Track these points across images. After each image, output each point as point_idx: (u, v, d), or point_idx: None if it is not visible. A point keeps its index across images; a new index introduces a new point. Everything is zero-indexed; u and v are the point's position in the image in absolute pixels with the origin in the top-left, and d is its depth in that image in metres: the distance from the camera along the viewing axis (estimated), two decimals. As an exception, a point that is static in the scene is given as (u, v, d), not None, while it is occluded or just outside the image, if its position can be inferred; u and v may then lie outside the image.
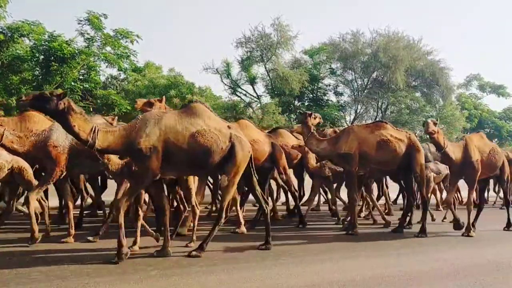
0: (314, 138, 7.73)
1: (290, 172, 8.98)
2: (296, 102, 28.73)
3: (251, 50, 26.57)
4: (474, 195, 8.55)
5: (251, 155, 5.78)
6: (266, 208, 6.08)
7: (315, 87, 28.82)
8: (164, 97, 8.24)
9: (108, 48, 18.94)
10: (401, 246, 6.57)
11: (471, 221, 7.65)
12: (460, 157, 7.49)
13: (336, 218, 9.01)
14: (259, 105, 26.90)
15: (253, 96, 27.93)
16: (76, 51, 17.57)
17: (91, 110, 18.58)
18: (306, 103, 28.82)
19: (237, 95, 27.84)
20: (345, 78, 29.67)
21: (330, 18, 65.97)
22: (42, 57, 17.50)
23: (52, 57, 17.01)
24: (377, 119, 29.09)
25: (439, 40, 72.34)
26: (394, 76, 26.38)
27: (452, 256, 5.94)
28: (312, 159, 8.79)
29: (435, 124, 7.37)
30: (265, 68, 26.87)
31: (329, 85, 29.87)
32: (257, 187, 6.11)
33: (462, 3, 76.31)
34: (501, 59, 73.50)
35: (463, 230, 7.66)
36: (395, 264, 5.40)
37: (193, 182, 6.49)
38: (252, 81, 27.38)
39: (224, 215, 5.77)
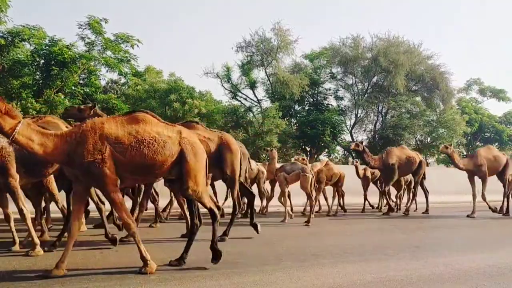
0: None
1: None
2: (296, 107, 28.80)
3: (251, 54, 26.65)
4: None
5: None
6: None
7: (316, 91, 28.90)
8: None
9: (109, 53, 18.99)
10: (401, 251, 6.55)
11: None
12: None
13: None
14: (259, 109, 26.94)
15: (253, 100, 28.03)
16: (77, 56, 17.60)
17: (92, 114, 18.61)
18: (307, 107, 28.90)
19: (237, 100, 27.92)
20: (345, 83, 29.76)
21: (330, 23, 66.13)
22: (42, 61, 17.54)
23: (53, 62, 17.05)
24: (377, 123, 29.25)
25: (440, 45, 72.49)
26: (395, 80, 26.45)
27: (453, 260, 5.92)
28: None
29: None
30: (266, 72, 26.95)
31: (330, 90, 29.97)
32: None
33: (463, 7, 76.55)
34: (502, 63, 73.63)
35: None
36: (395, 268, 5.38)
37: None
38: (252, 85, 27.46)
39: None
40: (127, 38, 18.83)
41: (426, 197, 12.81)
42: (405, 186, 13.10)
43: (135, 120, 4.88)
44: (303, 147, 27.49)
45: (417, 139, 30.94)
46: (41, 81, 17.62)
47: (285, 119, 26.32)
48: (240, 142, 9.65)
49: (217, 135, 7.28)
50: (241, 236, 7.63)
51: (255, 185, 10.84)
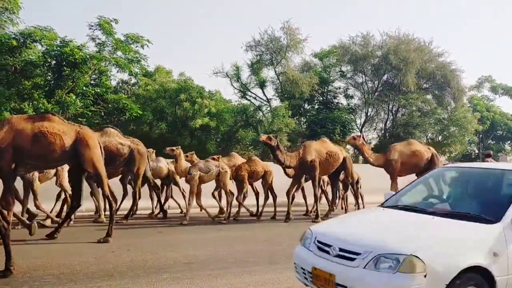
0: None
1: None
2: (306, 105, 28.74)
3: (260, 53, 26.62)
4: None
5: None
6: None
7: (325, 90, 28.79)
8: None
9: (119, 53, 19.08)
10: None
11: None
12: None
13: None
14: (269, 108, 26.91)
15: (262, 99, 27.97)
16: (88, 56, 17.71)
17: (103, 114, 18.79)
18: (316, 106, 28.82)
19: (247, 99, 27.89)
20: (355, 81, 29.61)
21: (339, 21, 65.82)
22: (54, 62, 17.67)
23: (64, 62, 17.18)
24: (388, 121, 29.07)
25: (450, 42, 71.77)
26: (405, 78, 26.26)
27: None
28: None
29: None
30: (275, 71, 26.90)
31: (339, 88, 29.83)
32: None
33: (474, 4, 75.69)
34: (514, 60, 72.67)
35: None
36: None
37: None
38: (261, 84, 27.42)
39: None
40: (137, 39, 18.91)
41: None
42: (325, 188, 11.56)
43: None
44: (313, 146, 27.33)
45: (428, 137, 30.73)
46: (52, 82, 17.76)
47: (295, 118, 26.29)
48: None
49: (74, 128, 6.77)
50: (251, 235, 7.65)
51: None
